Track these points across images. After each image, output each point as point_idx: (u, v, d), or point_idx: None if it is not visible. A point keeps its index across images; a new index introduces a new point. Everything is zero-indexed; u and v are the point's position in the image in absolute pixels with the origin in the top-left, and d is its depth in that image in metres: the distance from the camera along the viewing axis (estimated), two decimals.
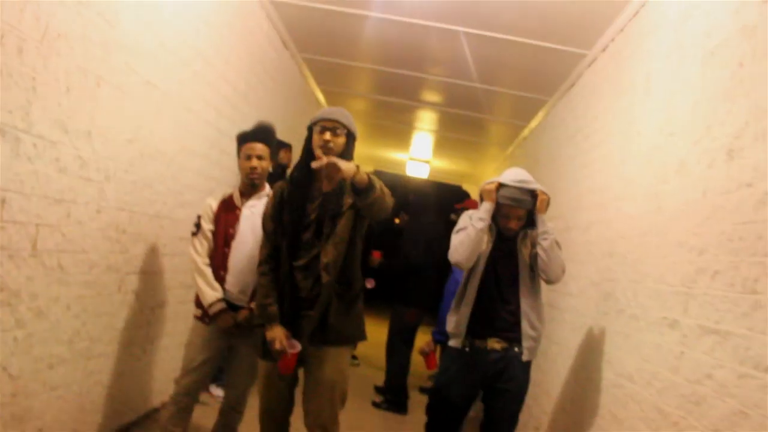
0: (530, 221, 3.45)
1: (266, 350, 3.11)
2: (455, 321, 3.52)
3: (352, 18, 5.50)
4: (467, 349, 3.50)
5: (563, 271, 3.44)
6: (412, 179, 13.33)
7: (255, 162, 3.64)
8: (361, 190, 2.82)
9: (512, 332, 3.44)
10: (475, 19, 5.07)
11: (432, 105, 8.59)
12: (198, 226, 3.68)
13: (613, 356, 3.37)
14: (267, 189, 3.75)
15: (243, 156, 3.69)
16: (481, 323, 3.47)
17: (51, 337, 3.15)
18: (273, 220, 3.19)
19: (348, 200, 3.06)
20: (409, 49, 6.11)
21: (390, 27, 5.55)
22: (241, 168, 3.73)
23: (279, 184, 3.28)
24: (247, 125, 3.83)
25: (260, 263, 3.21)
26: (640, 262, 3.24)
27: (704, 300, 2.46)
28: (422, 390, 6.77)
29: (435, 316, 5.13)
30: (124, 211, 3.66)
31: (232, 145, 3.82)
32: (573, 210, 4.85)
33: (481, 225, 3.34)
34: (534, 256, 3.43)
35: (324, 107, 8.75)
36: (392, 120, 9.78)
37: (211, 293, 3.56)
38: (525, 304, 3.44)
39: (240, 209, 3.68)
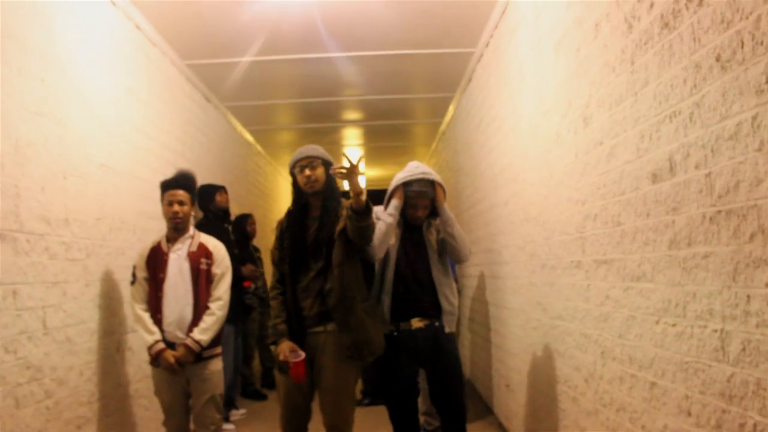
0: (432, 212, 3.92)
1: (280, 365, 3.58)
2: (379, 310, 3.87)
3: (265, 63, 6.08)
4: (395, 333, 3.80)
5: (470, 251, 3.97)
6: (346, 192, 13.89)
7: (177, 207, 3.95)
8: (362, 211, 3.31)
9: (431, 310, 3.84)
10: (371, 42, 5.69)
11: (354, 122, 9.24)
12: (134, 275, 3.98)
13: (546, 303, 4.00)
14: (191, 231, 4.07)
15: (165, 202, 3.99)
16: (402, 307, 3.81)
17: (74, 402, 3.64)
18: (277, 250, 3.72)
19: (338, 228, 3.54)
20: (322, 79, 6.73)
21: (301, 64, 6.16)
22: (164, 214, 4.01)
23: (279, 219, 3.78)
24: (176, 168, 4.25)
25: (271, 288, 3.75)
26: (547, 221, 3.89)
27: (593, 240, 3.10)
28: (364, 397, 7.13)
29: None
30: (106, 280, 4.16)
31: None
32: (493, 189, 5.50)
33: (391, 220, 3.79)
34: (441, 242, 3.91)
35: (255, 147, 9.34)
36: (321, 143, 10.14)
37: (149, 337, 3.83)
38: (438, 284, 3.84)
39: (167, 254, 3.95)
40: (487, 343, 6.05)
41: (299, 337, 3.57)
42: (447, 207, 3.89)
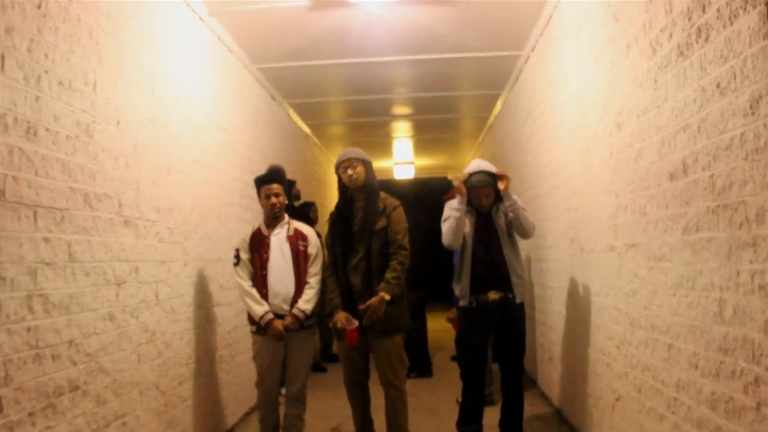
0: (497, 197, 4.49)
1: (337, 332, 4.27)
2: (461, 287, 4.56)
3: (325, 66, 6.70)
4: (474, 304, 4.54)
5: (534, 228, 4.56)
6: (396, 181, 14.52)
7: (273, 199, 4.53)
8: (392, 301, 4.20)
9: (504, 283, 4.49)
10: (425, 47, 6.23)
11: (404, 116, 9.82)
12: (237, 257, 4.58)
13: (584, 282, 4.52)
14: (286, 219, 4.68)
15: (263, 196, 4.60)
16: (479, 283, 4.51)
17: (177, 362, 4.30)
18: (330, 237, 4.43)
19: (381, 221, 4.27)
20: (375, 78, 7.32)
21: (357, 67, 6.75)
22: (263, 206, 4.63)
23: (331, 212, 4.52)
24: (260, 171, 4.88)
25: (325, 269, 4.45)
26: (585, 210, 4.40)
27: (624, 227, 3.61)
28: (453, 359, 7.85)
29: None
30: (199, 260, 4.81)
31: (253, 190, 4.82)
32: (539, 179, 6.01)
33: (458, 214, 4.40)
34: (509, 224, 4.51)
35: (312, 139, 9.96)
36: (372, 135, 10.96)
37: (260, 308, 4.41)
38: (509, 261, 4.48)
39: (269, 238, 4.58)
40: (531, 320, 6.56)
41: (352, 308, 4.28)
42: (512, 193, 4.44)
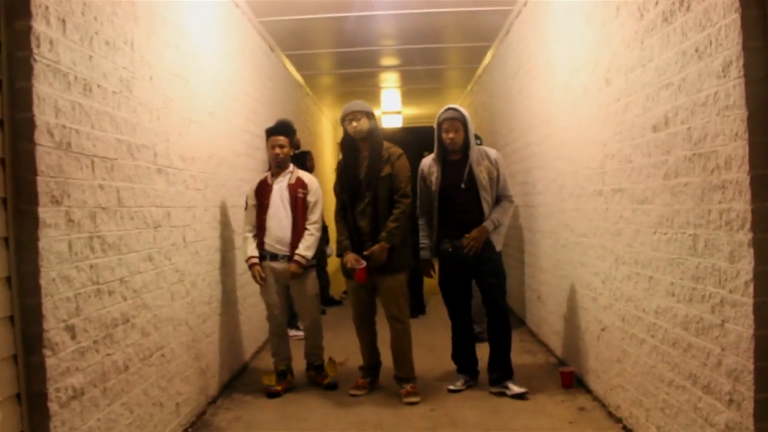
0: (465, 149, 4.73)
1: (347, 271, 4.69)
2: (435, 233, 4.87)
3: (317, 20, 7.04)
4: (450, 249, 4.80)
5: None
6: (389, 130, 14.85)
7: (278, 150, 5.06)
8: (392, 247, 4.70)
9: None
10: (414, 2, 6.54)
11: (392, 67, 10.15)
12: (246, 203, 5.16)
13: (573, 225, 4.94)
14: (290, 168, 5.12)
15: (270, 146, 5.11)
16: (455, 230, 4.76)
17: (201, 301, 4.70)
18: (339, 184, 4.86)
19: (386, 169, 4.68)
20: (364, 31, 7.62)
21: (346, 20, 7.07)
22: (269, 155, 5.15)
23: (339, 160, 4.96)
24: (263, 122, 5.28)
25: (335, 213, 4.87)
26: (575, 158, 4.80)
27: (611, 173, 4.02)
28: None
29: None
30: (216, 206, 5.17)
31: (259, 141, 5.21)
32: (528, 129, 6.39)
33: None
34: (496, 179, 4.76)
35: (305, 89, 10.25)
36: (362, 86, 11.26)
37: (248, 251, 5.05)
38: (486, 211, 4.72)
39: (271, 186, 5.06)
40: (520, 264, 7.03)
41: (360, 250, 4.74)
42: (488, 225, 4.75)
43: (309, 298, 5.14)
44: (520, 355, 5.65)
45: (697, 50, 2.80)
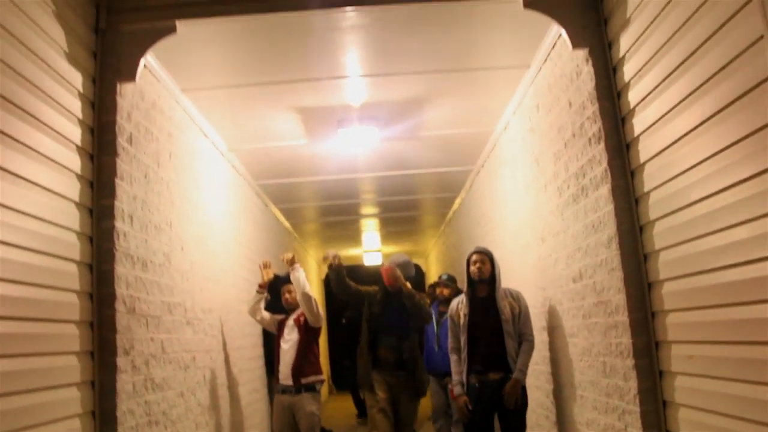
0: (492, 281, 5.09)
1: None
2: (460, 367, 5.04)
3: (304, 183, 8.25)
4: (477, 385, 4.93)
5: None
6: (367, 267, 15.98)
7: (287, 295, 6.12)
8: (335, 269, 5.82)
9: (503, 364, 4.87)
10: (395, 165, 7.74)
11: (372, 215, 11.41)
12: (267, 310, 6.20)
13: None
14: (299, 308, 6.04)
15: (283, 293, 6.15)
16: (479, 363, 4.94)
17: (218, 430, 5.52)
18: (367, 321, 5.83)
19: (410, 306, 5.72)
20: (348, 188, 8.85)
21: (329, 181, 8.29)
22: (283, 300, 6.16)
23: (368, 292, 5.94)
24: (253, 263, 6.34)
25: (361, 347, 5.83)
26: (527, 298, 5.82)
27: (551, 312, 5.02)
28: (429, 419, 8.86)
29: None
30: (227, 350, 6.07)
31: (253, 276, 6.23)
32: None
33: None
34: (518, 314, 4.99)
35: (294, 235, 11.35)
36: (344, 230, 12.53)
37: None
38: (508, 346, 4.89)
39: (285, 324, 6.04)
40: None
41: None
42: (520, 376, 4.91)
43: (311, 426, 5.84)
44: None
45: (593, 226, 3.89)
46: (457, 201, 9.77)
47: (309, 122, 6.02)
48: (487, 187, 7.37)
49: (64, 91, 3.39)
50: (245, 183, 7.58)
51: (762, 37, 2.35)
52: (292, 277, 5.81)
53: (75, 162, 3.47)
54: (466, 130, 6.49)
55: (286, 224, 10.83)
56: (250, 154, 6.86)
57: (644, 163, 3.39)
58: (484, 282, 5.10)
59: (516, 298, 5.10)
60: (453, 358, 5.17)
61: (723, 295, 2.72)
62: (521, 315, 5.02)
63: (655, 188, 3.27)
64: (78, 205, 3.47)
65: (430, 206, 10.76)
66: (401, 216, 11.38)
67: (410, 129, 6.33)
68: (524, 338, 4.98)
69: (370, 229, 12.79)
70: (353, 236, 13.30)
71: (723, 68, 2.61)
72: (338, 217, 11.17)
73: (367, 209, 10.85)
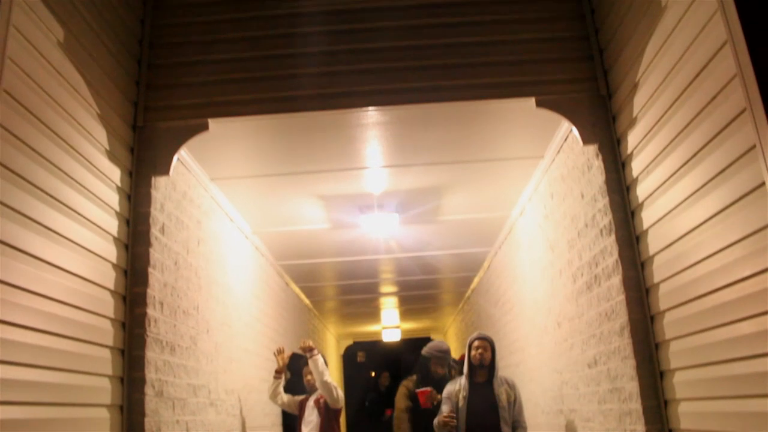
0: (492, 368, 5.32)
1: None
2: None
3: (327, 263, 8.41)
4: None
5: None
6: (385, 343, 16.02)
7: (309, 377, 6.25)
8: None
9: None
10: (414, 247, 7.92)
11: (391, 293, 11.52)
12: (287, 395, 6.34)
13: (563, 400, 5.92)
14: (318, 391, 6.22)
15: (305, 374, 6.32)
16: None
17: None
18: (406, 411, 5.86)
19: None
20: (367, 269, 9.01)
21: (349, 262, 8.46)
22: (304, 381, 6.32)
23: (407, 384, 5.98)
24: (274, 342, 6.48)
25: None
26: (542, 381, 5.89)
27: (567, 396, 5.09)
28: None
29: None
30: (248, 429, 6.16)
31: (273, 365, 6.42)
32: (509, 354, 7.52)
33: None
34: (513, 402, 5.21)
35: (314, 312, 11.49)
36: (363, 308, 12.62)
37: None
38: (504, 428, 5.10)
39: (306, 405, 6.21)
40: None
41: None
42: None
43: None
44: None
45: (606, 314, 4.01)
46: (476, 280, 9.90)
47: (331, 208, 6.25)
48: (505, 269, 7.51)
49: (104, 187, 3.64)
50: (267, 263, 7.78)
51: (754, 146, 2.53)
52: (310, 364, 5.97)
53: (111, 252, 3.69)
54: (483, 215, 6.70)
55: (306, 302, 10.99)
56: (273, 236, 7.07)
57: (653, 255, 3.54)
58: (484, 368, 5.33)
59: (512, 386, 5.34)
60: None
61: (730, 388, 2.83)
62: (516, 403, 5.25)
63: (665, 280, 3.42)
64: (113, 293, 3.67)
65: (448, 285, 10.88)
66: (420, 294, 11.50)
67: (429, 213, 6.54)
68: (518, 425, 5.21)
69: (389, 307, 12.90)
70: (372, 313, 13.41)
71: (725, 169, 2.79)
72: (358, 296, 11.32)
73: (387, 288, 11.00)
